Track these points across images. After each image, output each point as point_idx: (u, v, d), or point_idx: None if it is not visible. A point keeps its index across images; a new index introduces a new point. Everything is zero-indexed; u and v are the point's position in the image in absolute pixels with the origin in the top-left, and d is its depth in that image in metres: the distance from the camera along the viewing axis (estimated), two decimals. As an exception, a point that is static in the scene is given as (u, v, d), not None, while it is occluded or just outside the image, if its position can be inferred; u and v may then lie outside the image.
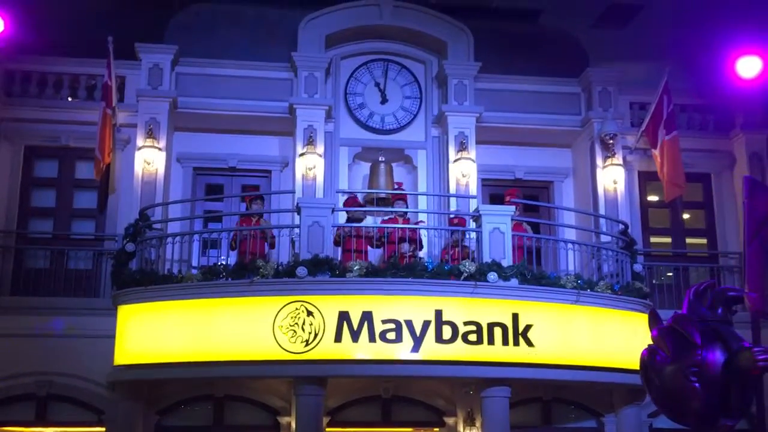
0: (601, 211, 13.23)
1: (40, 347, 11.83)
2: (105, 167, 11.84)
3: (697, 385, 3.85)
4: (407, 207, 12.39)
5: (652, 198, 14.35)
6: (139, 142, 12.71)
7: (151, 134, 12.67)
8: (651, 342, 4.11)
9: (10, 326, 11.86)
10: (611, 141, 13.38)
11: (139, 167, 12.63)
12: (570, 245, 12.05)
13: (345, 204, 12.11)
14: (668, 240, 14.35)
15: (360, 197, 12.73)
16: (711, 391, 3.87)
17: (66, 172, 13.19)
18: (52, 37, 13.22)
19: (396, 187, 12.94)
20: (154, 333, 10.96)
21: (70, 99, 13.22)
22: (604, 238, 12.76)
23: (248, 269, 10.72)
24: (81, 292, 12.47)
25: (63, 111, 13.03)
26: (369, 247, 11.81)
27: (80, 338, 11.84)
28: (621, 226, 12.63)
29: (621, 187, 13.47)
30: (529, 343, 10.57)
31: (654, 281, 13.42)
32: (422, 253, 12.12)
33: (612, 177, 13.44)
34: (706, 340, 3.95)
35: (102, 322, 11.53)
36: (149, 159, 12.62)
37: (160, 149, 12.73)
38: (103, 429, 11.76)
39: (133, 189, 12.57)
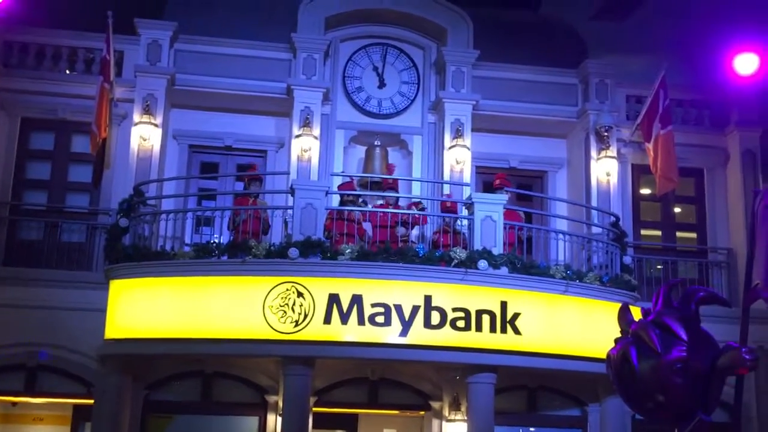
0: (594, 202, 13.31)
1: (32, 318, 11.87)
2: (101, 142, 11.86)
3: (679, 380, 3.90)
4: (398, 193, 12.44)
5: (645, 191, 14.44)
6: (136, 117, 12.71)
7: (148, 110, 12.68)
8: (621, 335, 4.14)
9: (2, 297, 11.91)
10: (606, 133, 13.44)
11: (135, 143, 12.64)
12: (561, 236, 12.14)
13: (340, 188, 12.14)
14: (659, 233, 14.46)
15: (354, 181, 12.78)
16: (693, 387, 3.92)
17: (62, 145, 13.20)
18: (52, 10, 13.20)
19: (388, 169, 12.99)
20: (145, 308, 11.02)
21: (68, 72, 13.19)
22: (595, 230, 12.86)
23: (241, 249, 10.80)
24: (73, 265, 12.50)
25: (60, 84, 13.01)
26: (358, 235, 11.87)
27: (72, 311, 11.88)
28: (612, 218, 12.72)
29: (614, 180, 13.56)
30: (517, 331, 10.68)
31: (644, 274, 13.51)
32: (415, 234, 12.18)
33: (606, 169, 13.51)
34: (690, 336, 4.00)
35: (94, 295, 11.60)
36: (145, 135, 12.64)
37: (156, 126, 12.74)
38: (92, 401, 11.84)
39: (128, 164, 12.59)
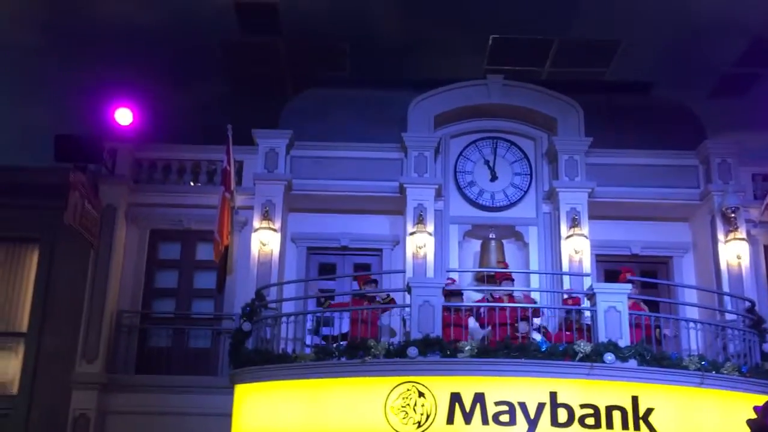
0: (725, 287, 12.64)
1: (160, 425, 12.17)
2: (224, 249, 12.26)
3: None
4: (513, 286, 12.19)
5: (781, 272, 13.61)
6: (256, 223, 13.14)
7: (267, 216, 13.09)
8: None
9: (134, 404, 12.31)
10: (733, 215, 12.87)
11: (255, 248, 13.03)
12: (692, 324, 11.53)
13: (445, 290, 11.80)
14: (800, 317, 13.50)
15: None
16: None
17: (187, 254, 13.74)
18: (176, 127, 14.02)
19: (501, 265, 12.79)
20: (268, 412, 11.07)
21: (192, 184, 13.87)
22: (729, 316, 12.16)
23: (360, 348, 10.76)
24: (200, 370, 12.82)
25: (185, 195, 13.67)
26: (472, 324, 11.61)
27: (199, 416, 12.13)
28: (747, 304, 12.02)
29: (746, 262, 12.87)
30: (651, 428, 10.08)
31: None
32: (537, 321, 11.84)
33: (735, 252, 12.87)
34: None
35: (220, 400, 11.80)
36: (265, 240, 13.01)
37: (275, 230, 13.11)
38: (220, 508, 11.87)
39: (249, 269, 12.95)
